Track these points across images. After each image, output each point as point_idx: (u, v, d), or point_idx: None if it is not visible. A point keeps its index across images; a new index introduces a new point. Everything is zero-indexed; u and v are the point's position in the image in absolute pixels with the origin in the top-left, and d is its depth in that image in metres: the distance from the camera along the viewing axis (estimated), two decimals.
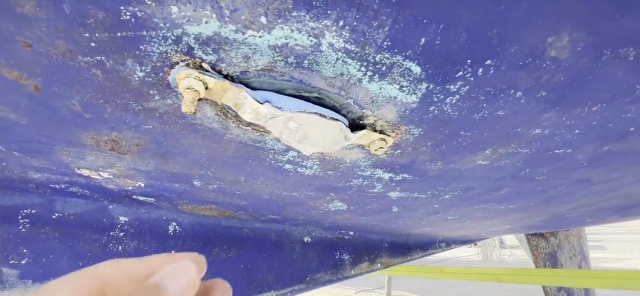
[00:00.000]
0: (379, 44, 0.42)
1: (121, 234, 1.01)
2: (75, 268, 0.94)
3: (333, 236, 1.61)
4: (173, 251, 1.09)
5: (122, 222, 1.02)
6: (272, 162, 0.73)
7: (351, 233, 1.68)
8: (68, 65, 0.42)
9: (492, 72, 0.50)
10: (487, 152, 0.75)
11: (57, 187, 0.85)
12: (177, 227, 1.11)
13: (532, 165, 0.84)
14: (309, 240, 1.51)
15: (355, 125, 0.60)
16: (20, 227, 0.87)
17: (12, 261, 0.85)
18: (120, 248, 1.00)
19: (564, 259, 3.98)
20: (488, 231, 2.18)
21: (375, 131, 0.61)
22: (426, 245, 2.13)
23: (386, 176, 0.85)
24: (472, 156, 0.77)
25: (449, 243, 2.33)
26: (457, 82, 0.51)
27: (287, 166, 0.75)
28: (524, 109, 0.60)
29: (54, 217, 0.92)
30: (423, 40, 0.43)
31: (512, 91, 0.55)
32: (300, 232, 1.48)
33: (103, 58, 0.42)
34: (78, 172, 0.75)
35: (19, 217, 0.88)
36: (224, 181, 0.83)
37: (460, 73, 0.49)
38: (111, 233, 1.00)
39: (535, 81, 0.52)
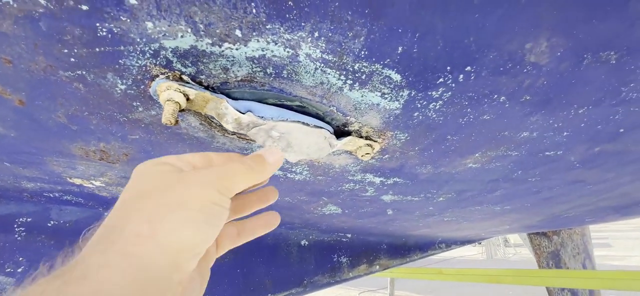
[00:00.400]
0: (356, 53, 0.43)
1: None
2: None
3: (330, 239, 1.61)
4: None
5: None
6: None
7: (349, 235, 1.68)
8: (50, 79, 0.43)
9: (473, 78, 0.50)
10: (477, 155, 0.75)
11: (52, 195, 0.86)
12: None
13: (523, 167, 0.84)
14: (306, 243, 1.51)
15: (341, 132, 0.61)
16: (16, 235, 0.89)
17: (8, 270, 0.87)
18: None
19: (567, 258, 3.94)
20: (487, 232, 2.17)
21: (361, 137, 0.62)
22: (425, 246, 2.12)
23: (377, 180, 0.85)
24: (461, 159, 0.76)
25: (449, 243, 2.32)
26: (438, 89, 0.51)
27: (277, 172, 0.76)
28: (509, 113, 0.60)
29: (49, 225, 0.93)
30: (400, 48, 0.43)
31: (495, 96, 0.55)
32: (297, 235, 1.48)
33: (84, 72, 0.42)
34: (70, 181, 0.76)
35: (15, 225, 0.89)
36: None
37: (441, 79, 0.49)
38: None
39: (517, 85, 0.52)
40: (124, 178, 0.75)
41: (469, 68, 0.48)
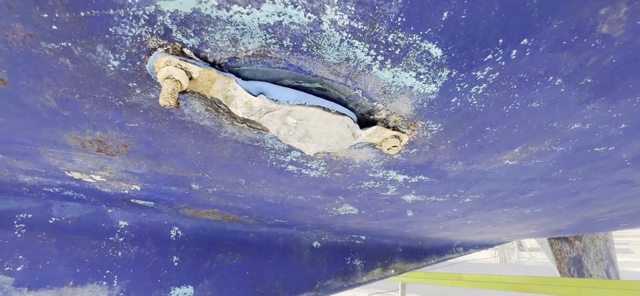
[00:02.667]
0: (391, 20, 0.35)
1: (121, 239, 0.97)
2: (72, 275, 0.91)
3: (344, 240, 1.53)
4: (175, 258, 1.04)
5: (122, 226, 0.97)
6: (274, 163, 0.66)
7: (363, 237, 1.60)
8: (32, 53, 0.37)
9: (528, 54, 0.42)
10: (516, 150, 0.66)
11: (52, 190, 0.81)
12: (179, 232, 1.06)
13: (566, 165, 0.75)
14: (319, 244, 1.44)
15: (365, 121, 0.53)
16: (16, 232, 0.84)
17: (8, 268, 0.82)
18: (119, 254, 0.96)
19: (590, 264, 3.76)
20: (510, 236, 2.05)
21: (388, 127, 0.54)
22: (442, 250, 2.03)
23: (400, 178, 0.77)
24: (498, 155, 0.68)
25: (467, 247, 2.21)
26: (485, 68, 0.43)
27: (291, 167, 0.69)
28: (564, 100, 0.51)
29: (51, 221, 0.88)
30: (445, 14, 0.35)
31: (551, 78, 0.46)
32: (308, 237, 1.41)
33: (69, 44, 0.36)
34: (69, 175, 0.70)
35: (15, 222, 0.84)
36: (223, 184, 0.77)
37: (490, 56, 0.41)
38: (111, 238, 0.96)
39: (579, 65, 0.44)
40: (125, 172, 0.69)
41: (525, 41, 0.39)
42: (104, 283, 0.91)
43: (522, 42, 0.39)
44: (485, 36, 0.38)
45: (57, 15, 0.32)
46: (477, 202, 1.00)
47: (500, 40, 0.39)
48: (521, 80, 0.46)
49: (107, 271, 0.93)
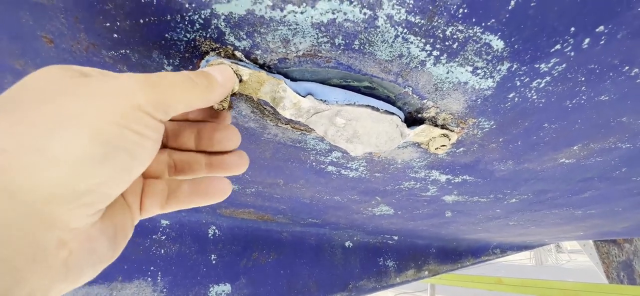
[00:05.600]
0: (451, 12, 0.33)
1: (163, 238, 1.00)
2: (120, 271, 0.95)
3: (376, 241, 1.51)
4: (213, 256, 1.07)
5: (164, 225, 1.01)
6: (314, 163, 0.65)
7: (396, 237, 1.57)
8: (93, 61, 0.38)
9: (602, 43, 0.38)
10: (575, 148, 0.61)
11: None
12: (216, 231, 1.09)
13: (631, 163, 0.68)
14: (350, 244, 1.42)
15: (412, 119, 0.51)
16: None
17: None
18: (162, 251, 1.00)
19: None
20: (554, 237, 1.93)
21: (436, 126, 0.51)
22: (479, 252, 1.94)
23: (443, 178, 0.74)
24: (554, 154, 0.63)
25: (505, 249, 2.10)
26: (550, 60, 0.40)
27: (330, 168, 0.68)
28: (637, 92, 0.46)
29: None
30: (513, 3, 0.32)
31: (627, 68, 0.42)
32: (340, 236, 1.40)
33: (128, 51, 0.37)
34: None
35: None
36: (261, 184, 0.78)
37: (558, 46, 0.38)
38: (154, 236, 0.99)
39: None
40: None
41: (601, 28, 0.36)
42: (149, 279, 0.95)
43: (597, 29, 0.36)
44: (556, 24, 0.35)
45: (118, 23, 0.33)
46: (523, 203, 0.94)
47: (572, 29, 0.35)
48: (591, 71, 0.42)
49: (152, 268, 0.97)
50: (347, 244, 1.41)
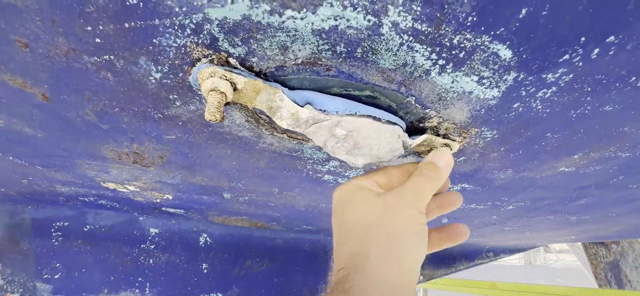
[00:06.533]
0: (460, 20, 0.31)
1: (152, 247, 0.97)
2: (106, 283, 0.91)
3: None
4: (205, 265, 1.04)
5: (153, 233, 0.97)
6: (310, 172, 0.63)
7: None
8: (74, 68, 0.35)
9: (611, 53, 0.36)
10: (576, 157, 0.60)
11: (87, 199, 0.81)
12: (208, 239, 1.06)
13: (630, 171, 0.68)
14: None
15: (413, 128, 0.49)
16: (53, 240, 0.85)
17: (46, 276, 0.83)
18: (151, 261, 0.96)
19: (628, 269, 3.52)
20: (546, 241, 1.94)
21: (438, 135, 0.50)
22: (472, 255, 1.94)
23: None
24: (554, 162, 0.62)
25: (497, 252, 2.11)
26: (558, 70, 0.38)
27: (327, 177, 0.66)
28: None
29: (85, 229, 0.89)
30: (524, 11, 0.31)
31: (633, 79, 0.41)
32: None
33: (112, 57, 0.34)
34: (104, 185, 0.70)
35: (52, 230, 0.85)
36: (255, 193, 0.75)
37: (567, 56, 0.36)
38: (142, 245, 0.96)
39: None
40: (159, 182, 0.68)
41: (611, 38, 0.34)
42: (137, 290, 0.92)
43: (608, 40, 0.34)
44: (567, 34, 0.33)
45: (100, 27, 0.30)
46: (519, 210, 0.94)
47: (583, 39, 0.34)
48: (598, 82, 0.41)
49: (140, 278, 0.93)
50: None
